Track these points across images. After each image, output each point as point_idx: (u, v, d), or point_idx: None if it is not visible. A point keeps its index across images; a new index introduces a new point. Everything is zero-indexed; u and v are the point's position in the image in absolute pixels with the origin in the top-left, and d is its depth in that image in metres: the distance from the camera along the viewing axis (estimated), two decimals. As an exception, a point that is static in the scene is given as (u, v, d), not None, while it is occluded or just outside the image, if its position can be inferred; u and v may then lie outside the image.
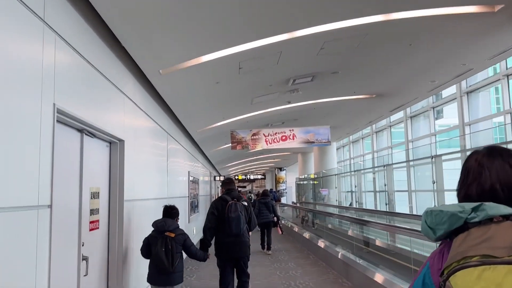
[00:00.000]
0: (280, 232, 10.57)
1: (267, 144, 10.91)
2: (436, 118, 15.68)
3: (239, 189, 31.33)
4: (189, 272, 7.86)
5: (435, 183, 9.22)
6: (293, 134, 10.96)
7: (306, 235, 10.91)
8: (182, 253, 4.38)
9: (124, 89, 4.67)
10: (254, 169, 36.87)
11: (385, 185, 12.77)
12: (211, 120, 9.80)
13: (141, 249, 4.42)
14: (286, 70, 6.93)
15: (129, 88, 4.94)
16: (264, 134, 10.95)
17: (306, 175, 24.19)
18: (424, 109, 15.66)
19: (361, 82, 8.55)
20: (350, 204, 16.98)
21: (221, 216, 4.87)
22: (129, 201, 4.68)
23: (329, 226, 11.85)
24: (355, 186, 14.53)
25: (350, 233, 9.42)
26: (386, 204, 12.08)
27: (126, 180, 4.51)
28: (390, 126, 18.89)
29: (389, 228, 7.51)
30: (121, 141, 4.50)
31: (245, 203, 5.05)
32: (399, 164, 13.57)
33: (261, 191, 11.61)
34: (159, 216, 4.65)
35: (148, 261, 4.43)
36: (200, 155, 14.99)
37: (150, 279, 4.32)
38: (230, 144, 10.98)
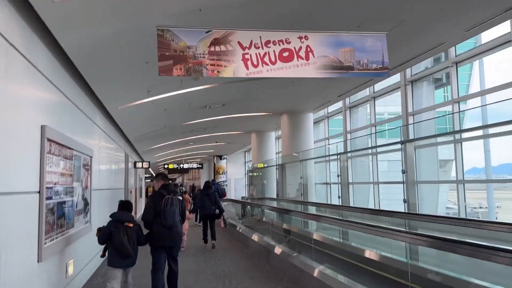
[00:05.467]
0: (223, 225, 10.56)
1: (247, 68, 4.55)
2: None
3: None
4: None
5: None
6: (308, 47, 4.70)
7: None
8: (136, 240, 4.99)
9: None
10: (189, 157, 30.03)
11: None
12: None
13: (101, 237, 4.95)
14: None
15: None
16: (240, 44, 4.55)
17: (253, 165, 18.16)
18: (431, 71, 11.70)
19: None
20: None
21: (157, 208, 5.15)
22: None
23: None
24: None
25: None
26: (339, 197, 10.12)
27: None
28: (374, 98, 14.23)
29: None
30: None
31: (180, 198, 5.49)
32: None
33: (195, 185, 12.58)
34: None
35: None
36: (98, 112, 8.10)
37: (112, 263, 4.91)
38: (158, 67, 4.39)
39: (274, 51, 4.64)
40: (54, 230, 4.65)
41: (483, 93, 9.90)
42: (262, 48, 4.62)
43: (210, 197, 9.88)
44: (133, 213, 5.67)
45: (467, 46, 10.38)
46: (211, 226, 9.92)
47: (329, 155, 13.91)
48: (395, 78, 12.35)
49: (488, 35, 9.30)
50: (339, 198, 8.66)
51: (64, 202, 5.08)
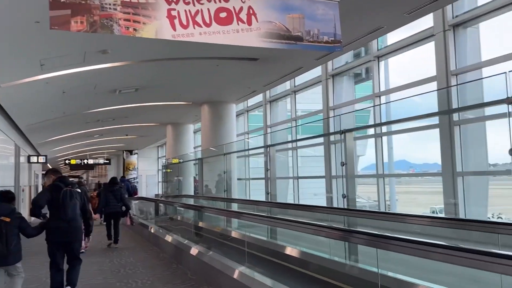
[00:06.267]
0: (129, 223, 10.27)
1: (174, 29, 3.53)
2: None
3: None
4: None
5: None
6: (250, 9, 3.80)
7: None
8: (19, 234, 4.58)
9: None
10: (95, 151, 27.44)
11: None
12: None
13: None
14: None
15: None
16: (165, -4, 3.51)
17: (167, 160, 17.00)
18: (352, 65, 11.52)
19: None
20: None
21: (54, 201, 4.88)
22: None
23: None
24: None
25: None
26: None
27: None
28: (295, 92, 13.92)
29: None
30: None
31: (79, 190, 5.21)
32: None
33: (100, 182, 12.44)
34: None
35: None
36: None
37: None
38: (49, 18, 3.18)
39: (208, 9, 3.67)
40: None
41: (406, 86, 9.87)
42: (194, 5, 3.62)
43: (115, 194, 9.60)
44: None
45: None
46: (115, 226, 9.56)
47: (247, 149, 13.39)
48: (317, 71, 12.12)
49: (395, 37, 9.46)
50: (267, 194, 8.09)
51: None
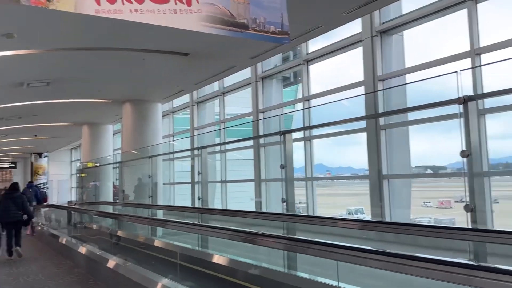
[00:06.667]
0: (30, 232, 10.08)
1: (98, 3, 2.93)
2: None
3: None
4: None
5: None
6: (190, -12, 3.35)
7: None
8: None
9: None
10: (-2, 153, 24.94)
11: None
12: None
13: None
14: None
15: None
16: (88, -37, 2.91)
17: (82, 163, 15.86)
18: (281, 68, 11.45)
19: None
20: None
21: None
22: None
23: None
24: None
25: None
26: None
27: None
28: (224, 93, 13.65)
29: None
30: None
31: None
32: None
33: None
34: None
35: None
36: None
37: None
38: None
39: (141, -16, 3.14)
40: None
41: (335, 90, 9.97)
42: (124, -24, 3.06)
43: (16, 202, 9.07)
44: None
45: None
46: (17, 234, 9.07)
47: (177, 151, 12.88)
48: (246, 73, 11.95)
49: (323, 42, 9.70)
50: (199, 199, 7.71)
51: None
